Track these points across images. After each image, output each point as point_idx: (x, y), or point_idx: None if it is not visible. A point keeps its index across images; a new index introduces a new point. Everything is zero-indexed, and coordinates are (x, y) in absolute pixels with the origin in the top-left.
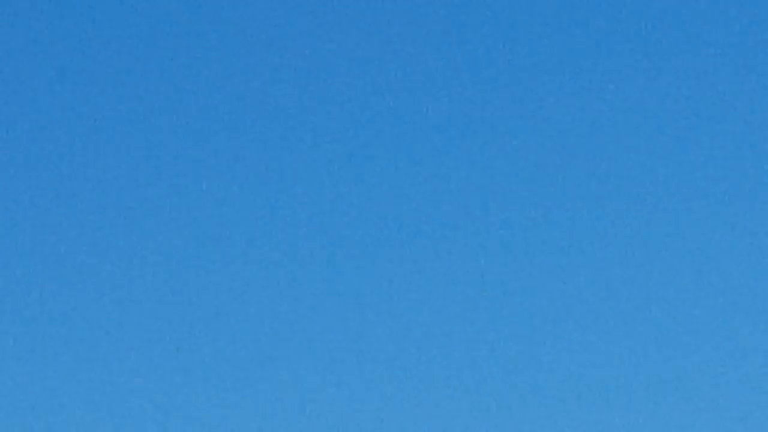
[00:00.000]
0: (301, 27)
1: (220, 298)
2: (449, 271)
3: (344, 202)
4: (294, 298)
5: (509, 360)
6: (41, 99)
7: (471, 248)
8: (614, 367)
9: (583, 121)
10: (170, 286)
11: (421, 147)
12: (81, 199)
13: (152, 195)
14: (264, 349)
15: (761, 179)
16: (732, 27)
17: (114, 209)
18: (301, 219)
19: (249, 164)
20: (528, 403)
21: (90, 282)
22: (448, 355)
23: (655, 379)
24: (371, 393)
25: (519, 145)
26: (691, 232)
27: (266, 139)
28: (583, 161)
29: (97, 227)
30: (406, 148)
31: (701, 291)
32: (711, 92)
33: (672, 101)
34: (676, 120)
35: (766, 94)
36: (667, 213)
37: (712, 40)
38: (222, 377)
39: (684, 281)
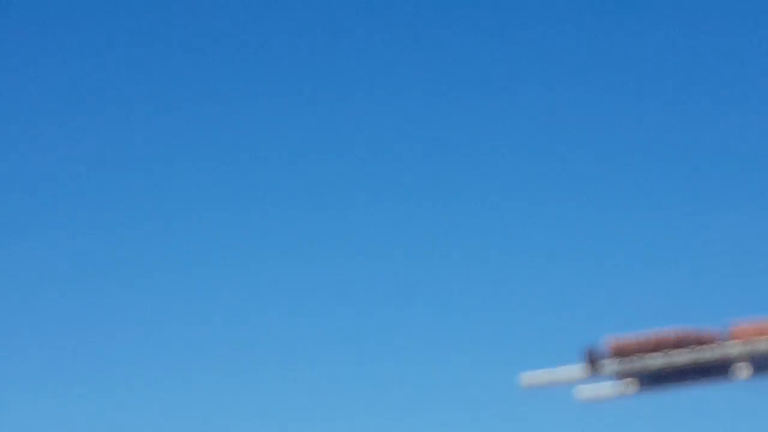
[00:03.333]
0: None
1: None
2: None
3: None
4: (295, 297)
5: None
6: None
7: (469, 249)
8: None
9: (581, 123)
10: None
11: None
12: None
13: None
14: (263, 349)
15: (761, 179)
16: (732, 27)
17: (113, 209)
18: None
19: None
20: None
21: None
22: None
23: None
24: (370, 392)
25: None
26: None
27: (265, 138)
28: (582, 162)
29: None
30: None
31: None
32: (709, 92)
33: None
34: (674, 120)
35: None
36: (665, 213)
37: (710, 40)
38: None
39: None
